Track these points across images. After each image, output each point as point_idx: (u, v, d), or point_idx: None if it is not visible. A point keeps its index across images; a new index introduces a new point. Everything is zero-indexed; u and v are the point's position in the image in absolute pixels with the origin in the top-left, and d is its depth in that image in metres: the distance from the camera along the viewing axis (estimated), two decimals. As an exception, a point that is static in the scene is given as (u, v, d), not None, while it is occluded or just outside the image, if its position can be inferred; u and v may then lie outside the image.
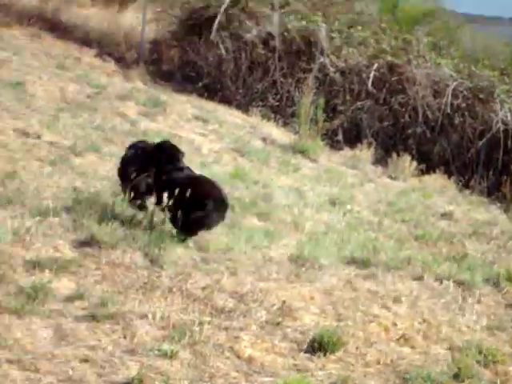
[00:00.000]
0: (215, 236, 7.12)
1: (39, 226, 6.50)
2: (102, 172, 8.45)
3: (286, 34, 15.14)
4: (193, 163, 9.76)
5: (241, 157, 11.06)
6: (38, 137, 8.93)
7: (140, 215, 7.11)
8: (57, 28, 16.97)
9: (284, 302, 6.01)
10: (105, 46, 16.72)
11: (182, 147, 10.22)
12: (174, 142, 10.40)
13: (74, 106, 11.07)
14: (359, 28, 15.36)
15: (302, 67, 14.87)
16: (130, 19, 18.46)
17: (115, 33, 17.29)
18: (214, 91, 15.13)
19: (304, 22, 15.18)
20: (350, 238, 8.19)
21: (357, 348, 5.60)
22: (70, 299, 5.58)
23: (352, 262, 7.33)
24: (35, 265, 5.89)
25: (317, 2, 15.95)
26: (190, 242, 6.93)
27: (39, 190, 7.30)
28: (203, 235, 7.06)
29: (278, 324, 5.74)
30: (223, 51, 15.15)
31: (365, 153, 12.93)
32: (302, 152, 12.05)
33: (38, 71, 12.38)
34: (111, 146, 9.57)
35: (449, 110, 13.73)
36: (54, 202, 6.93)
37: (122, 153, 7.65)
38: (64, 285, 5.77)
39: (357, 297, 6.47)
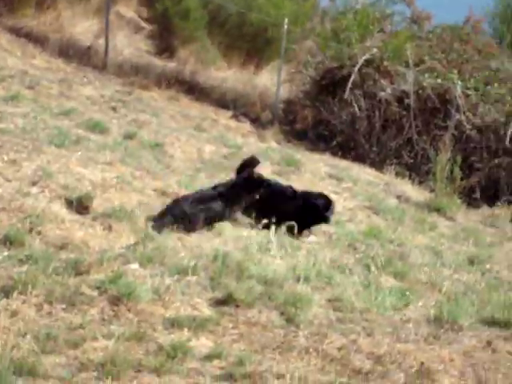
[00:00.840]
0: (350, 295, 7.06)
1: (178, 284, 6.60)
2: (237, 231, 8.53)
3: (420, 91, 15.09)
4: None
5: (375, 215, 10.98)
6: (177, 196, 9.10)
7: (274, 274, 7.14)
8: (194, 90, 17.44)
9: (422, 363, 5.87)
10: (240, 107, 17.06)
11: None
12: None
13: (211, 166, 11.28)
14: (496, 85, 15.14)
15: (438, 124, 14.76)
16: (265, 80, 18.79)
17: (250, 94, 17.62)
18: (347, 149, 15.17)
19: (439, 80, 15.09)
20: (489, 298, 7.96)
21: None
22: (207, 358, 5.61)
23: (492, 323, 7.11)
24: (174, 323, 5.97)
25: (452, 60, 15.84)
26: (325, 300, 6.90)
27: (177, 248, 7.43)
28: (338, 294, 7.02)
29: (416, 387, 5.62)
30: (357, 109, 15.20)
31: (503, 211, 12.65)
32: (438, 210, 11.87)
33: (176, 133, 12.69)
34: (246, 206, 9.66)
35: None
36: (192, 261, 7.04)
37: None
38: (202, 343, 5.81)
39: (497, 359, 6.25)
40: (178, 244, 7.60)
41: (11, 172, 8.19)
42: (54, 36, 17.76)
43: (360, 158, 14.88)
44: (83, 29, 18.59)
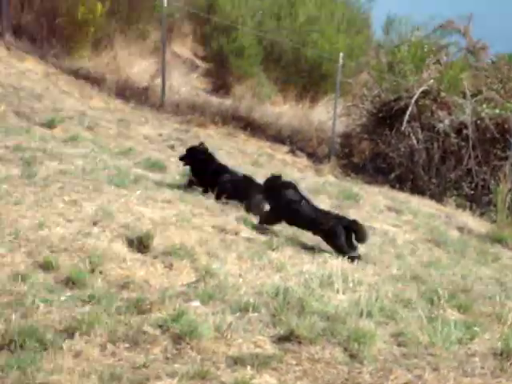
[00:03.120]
0: (415, 330, 6.95)
1: (240, 321, 6.58)
2: (298, 266, 8.49)
3: (479, 122, 14.95)
4: (387, 254, 9.73)
5: (437, 247, 10.85)
6: (236, 233, 9.10)
7: (337, 310, 7.07)
8: (250, 126, 17.53)
9: (490, 398, 5.76)
10: (297, 141, 17.08)
11: (377, 238, 10.32)
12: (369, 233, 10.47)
13: (268, 202, 11.26)
14: (556, 114, 15.00)
15: (497, 155, 14.60)
16: (321, 114, 18.81)
17: (306, 128, 17.66)
18: (406, 182, 15.07)
19: (497, 110, 14.95)
20: (557, 331, 7.78)
21: None
22: (271, 395, 5.58)
23: (561, 356, 6.94)
24: (237, 361, 5.93)
25: (510, 89, 15.70)
26: (389, 335, 6.81)
27: (238, 285, 7.41)
28: (402, 329, 6.93)
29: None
30: (415, 142, 15.13)
31: None
32: (501, 241, 11.69)
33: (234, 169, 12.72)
34: (306, 240, 9.62)
35: None
36: (254, 298, 7.01)
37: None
38: (266, 381, 5.76)
39: None
40: (239, 280, 7.58)
41: (72, 212, 8.27)
42: (112, 76, 18.03)
43: (419, 190, 14.77)
44: (140, 69, 18.85)
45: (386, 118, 16.14)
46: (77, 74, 17.73)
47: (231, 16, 20.29)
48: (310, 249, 9.19)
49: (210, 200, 10.24)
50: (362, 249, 9.43)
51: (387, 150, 15.54)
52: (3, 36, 17.78)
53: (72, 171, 9.87)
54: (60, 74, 17.23)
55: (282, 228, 9.82)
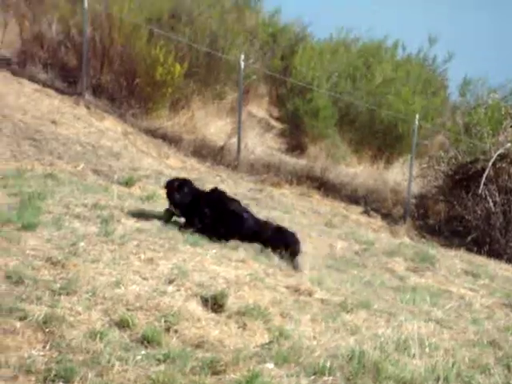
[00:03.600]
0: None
1: (314, 385, 6.52)
2: (373, 329, 8.39)
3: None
4: (464, 319, 9.56)
5: (514, 312, 10.64)
6: (310, 294, 9.05)
7: (413, 375, 6.95)
8: (324, 186, 17.53)
9: None
10: (371, 202, 17.01)
11: (452, 302, 10.15)
12: (445, 297, 10.34)
13: (343, 263, 11.21)
14: None
15: None
16: (396, 175, 18.73)
17: (381, 189, 17.58)
18: (482, 245, 14.86)
19: None
20: None
21: None
22: None
23: None
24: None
25: None
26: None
27: (312, 347, 7.35)
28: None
29: None
30: (492, 204, 14.94)
31: None
32: None
33: (308, 229, 12.73)
34: (381, 303, 9.54)
35: None
36: (328, 361, 6.93)
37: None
38: None
39: None
40: (313, 342, 7.52)
41: (148, 271, 8.34)
42: (188, 136, 18.30)
43: (496, 254, 14.55)
44: (216, 129, 19.09)
45: (462, 180, 16.01)
46: (154, 133, 18.03)
47: (307, 77, 20.45)
48: (384, 312, 9.09)
49: (283, 261, 10.23)
50: (438, 313, 9.30)
51: (463, 212, 15.39)
52: (83, 95, 18.23)
53: (148, 229, 9.97)
54: (138, 134, 17.54)
55: (356, 290, 9.75)
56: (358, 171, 19.09)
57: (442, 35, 22.64)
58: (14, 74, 18.12)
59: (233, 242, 10.23)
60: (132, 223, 10.05)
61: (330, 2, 37.92)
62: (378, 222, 16.04)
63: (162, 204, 11.34)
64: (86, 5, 18.25)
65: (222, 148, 18.21)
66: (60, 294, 7.28)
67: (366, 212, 16.57)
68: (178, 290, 8.00)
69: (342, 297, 9.21)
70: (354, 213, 16.43)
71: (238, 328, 7.57)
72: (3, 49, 19.43)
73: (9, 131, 13.62)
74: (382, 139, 20.29)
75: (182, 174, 14.72)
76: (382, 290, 10.16)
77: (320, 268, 10.59)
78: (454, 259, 13.06)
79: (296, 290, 9.09)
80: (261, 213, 13.00)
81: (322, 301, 8.96)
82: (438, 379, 7.02)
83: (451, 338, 8.57)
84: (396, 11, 40.19)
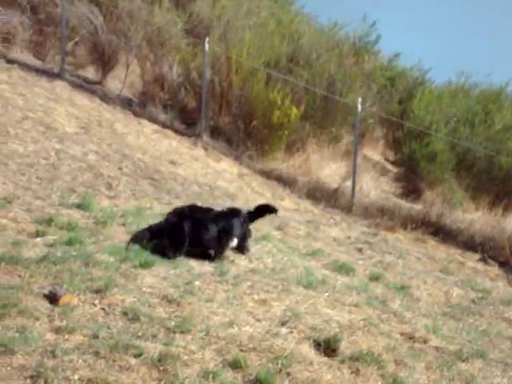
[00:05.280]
0: None
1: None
2: (489, 379, 8.20)
3: None
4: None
5: None
6: (425, 341, 8.91)
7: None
8: (440, 232, 17.28)
9: None
10: (488, 250, 16.67)
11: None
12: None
13: (459, 311, 10.99)
14: None
15: None
16: (515, 223, 18.31)
17: (499, 236, 17.21)
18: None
19: None
20: None
21: None
22: None
23: None
24: None
25: None
26: None
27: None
28: None
29: None
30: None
31: None
32: None
33: (423, 275, 12.55)
34: (497, 352, 9.30)
35: None
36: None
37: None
38: None
39: None
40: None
41: (261, 312, 8.37)
42: (303, 178, 18.37)
43: None
44: (330, 171, 19.11)
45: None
46: (269, 175, 18.18)
47: (424, 122, 20.28)
48: (500, 362, 8.86)
49: (397, 306, 10.10)
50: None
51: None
52: (201, 137, 18.57)
53: (262, 270, 10.02)
54: (253, 175, 17.73)
55: (472, 339, 9.54)
56: (475, 217, 18.74)
57: None
58: (135, 114, 18.61)
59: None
60: (246, 263, 10.13)
61: (450, 46, 37.64)
62: (495, 270, 15.67)
63: (274, 245, 11.41)
64: (206, 48, 18.65)
65: (336, 190, 18.19)
66: (175, 332, 7.38)
67: (482, 259, 16.22)
68: (291, 333, 8.00)
69: (458, 345, 9.03)
70: (471, 260, 16.10)
71: (351, 373, 7.51)
72: (125, 89, 19.99)
73: (129, 170, 13.97)
74: (500, 186, 19.89)
75: (296, 216, 14.79)
76: (498, 340, 9.90)
77: (435, 315, 10.41)
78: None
79: (411, 338, 8.96)
80: (374, 257, 12.90)
81: (437, 349, 8.81)
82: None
83: None
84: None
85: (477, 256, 16.48)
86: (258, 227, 12.23)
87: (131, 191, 12.70)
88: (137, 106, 19.28)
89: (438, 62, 26.63)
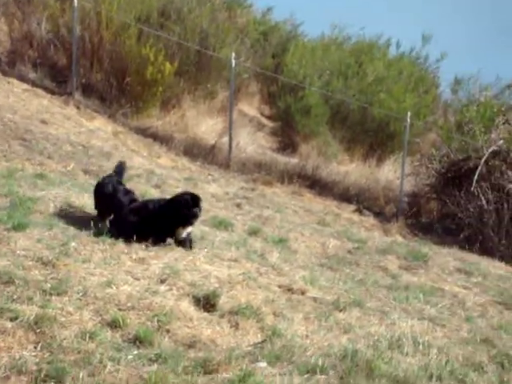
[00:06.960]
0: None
1: (307, 383, 6.47)
2: (366, 327, 8.36)
3: (550, 183, 14.75)
4: (457, 317, 9.54)
5: (507, 310, 10.61)
6: (302, 293, 9.00)
7: (406, 373, 6.91)
8: (316, 185, 17.51)
9: None
10: (363, 200, 16.98)
11: (445, 300, 10.13)
12: (438, 295, 10.31)
13: (335, 262, 11.18)
14: None
15: None
16: (388, 173, 18.71)
17: (373, 187, 17.56)
18: (475, 243, 14.84)
19: None
20: None
21: None
22: None
23: None
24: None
25: None
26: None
27: (305, 346, 7.31)
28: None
29: None
30: (484, 202, 14.93)
31: None
32: None
33: (300, 228, 12.69)
34: (374, 301, 9.50)
35: None
36: (321, 359, 6.89)
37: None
38: None
39: None
40: (306, 341, 7.48)
41: (140, 270, 8.28)
42: (179, 135, 18.23)
43: (489, 252, 14.53)
44: (207, 128, 19.02)
45: (454, 177, 16.00)
46: (145, 132, 17.95)
47: (298, 76, 20.42)
48: (377, 310, 9.05)
49: (275, 259, 10.18)
50: (431, 311, 9.28)
51: (456, 210, 15.37)
52: (73, 95, 18.13)
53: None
54: (128, 133, 17.46)
55: (349, 288, 9.72)
56: (349, 169, 19.07)
57: (435, 34, 22.62)
58: (4, 73, 18.01)
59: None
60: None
61: (322, 0, 37.88)
62: (370, 220, 16.01)
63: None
64: (75, 2, 18.15)
65: (213, 147, 18.15)
66: (51, 295, 7.23)
67: (358, 210, 16.53)
68: (170, 290, 7.95)
69: (335, 295, 9.17)
70: (347, 211, 16.40)
71: (231, 327, 7.53)
72: (-7, 48, 19.33)
73: (-1, 131, 13.55)
74: (373, 137, 20.27)
75: (174, 174, 14.69)
76: (374, 289, 10.11)
77: (312, 267, 10.56)
78: (447, 257, 13.03)
79: (289, 290, 9.04)
80: (253, 212, 12.97)
81: (315, 299, 8.92)
82: (431, 377, 7.00)
83: (444, 336, 8.56)
84: (390, 10, 40.17)
85: (352, 207, 16.78)
86: (136, 186, 12.09)
87: (1, 152, 12.33)
88: (5, 65, 18.64)
89: (312, 15, 26.80)
